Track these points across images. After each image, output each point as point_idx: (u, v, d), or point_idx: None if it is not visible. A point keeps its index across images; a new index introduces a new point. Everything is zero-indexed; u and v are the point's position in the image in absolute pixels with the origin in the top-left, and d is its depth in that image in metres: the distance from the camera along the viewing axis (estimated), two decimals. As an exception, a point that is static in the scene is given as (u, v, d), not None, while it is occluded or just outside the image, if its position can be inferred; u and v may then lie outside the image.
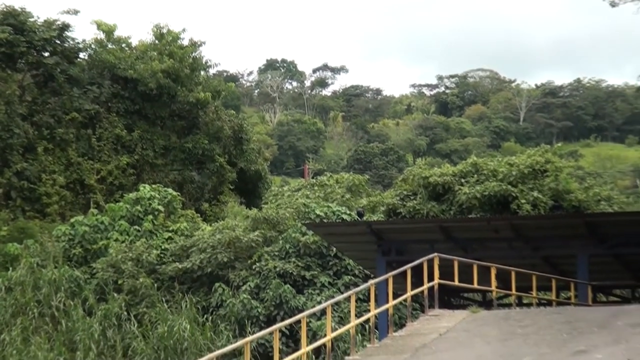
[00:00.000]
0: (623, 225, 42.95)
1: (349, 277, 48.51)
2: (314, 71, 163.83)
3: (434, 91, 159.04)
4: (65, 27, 64.15)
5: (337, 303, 32.67)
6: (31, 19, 63.34)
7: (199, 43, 68.09)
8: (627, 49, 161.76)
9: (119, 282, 50.31)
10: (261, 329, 39.17)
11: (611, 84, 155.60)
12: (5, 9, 62.51)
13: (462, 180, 54.82)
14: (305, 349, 28.27)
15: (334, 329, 30.19)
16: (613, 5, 61.13)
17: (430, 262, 33.23)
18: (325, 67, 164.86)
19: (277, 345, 27.74)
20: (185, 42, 67.24)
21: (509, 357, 26.96)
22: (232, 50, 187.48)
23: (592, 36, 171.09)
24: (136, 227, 54.18)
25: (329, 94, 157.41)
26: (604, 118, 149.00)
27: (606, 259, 42.11)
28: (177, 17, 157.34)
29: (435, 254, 33.82)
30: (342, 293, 40.74)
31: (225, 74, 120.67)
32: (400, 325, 33.02)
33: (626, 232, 41.41)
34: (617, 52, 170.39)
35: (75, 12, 73.83)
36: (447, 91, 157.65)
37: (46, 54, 63.33)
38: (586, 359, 26.23)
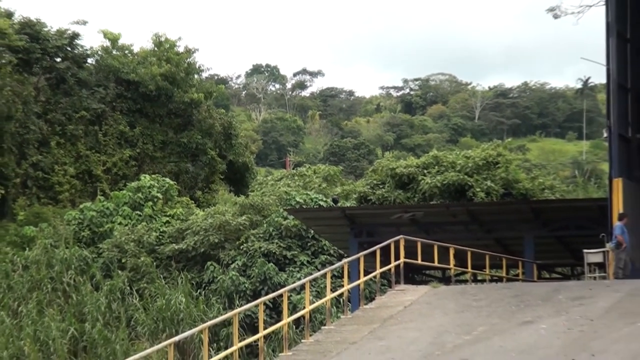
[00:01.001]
0: (564, 210, 43.10)
1: (325, 256, 48.53)
2: (294, 75, 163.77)
3: (400, 93, 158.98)
4: (75, 35, 63.97)
5: (314, 279, 32.66)
6: (45, 29, 63.15)
7: (193, 50, 68.09)
8: (568, 55, 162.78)
9: (123, 260, 50.27)
10: (248, 302, 39.17)
11: (554, 87, 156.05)
12: (22, 20, 62.31)
13: (425, 171, 54.86)
14: (287, 319, 28.19)
15: (312, 302, 30.13)
16: (556, 17, 61.27)
17: (397, 243, 33.18)
18: (304, 71, 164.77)
19: (262, 316, 27.66)
20: (181, 49, 67.07)
21: (465, 327, 26.94)
22: (222, 56, 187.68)
23: (538, 43, 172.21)
24: (138, 212, 54.16)
25: (307, 95, 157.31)
26: (548, 116, 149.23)
27: (549, 241, 42.19)
28: (174, 27, 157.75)
29: (401, 236, 33.77)
30: (319, 270, 40.69)
31: (216, 77, 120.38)
32: (370, 298, 32.96)
33: (566, 217, 41.58)
34: (560, 58, 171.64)
35: (84, 23, 73.53)
36: (412, 93, 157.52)
37: (58, 60, 63.14)
38: (532, 329, 26.25)
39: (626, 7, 38.48)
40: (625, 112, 38.40)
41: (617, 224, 34.85)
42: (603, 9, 38.31)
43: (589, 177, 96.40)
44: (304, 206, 51.40)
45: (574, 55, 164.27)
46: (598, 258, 36.14)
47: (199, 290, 47.77)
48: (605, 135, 42.53)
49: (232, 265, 48.50)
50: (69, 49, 63.64)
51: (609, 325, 25.98)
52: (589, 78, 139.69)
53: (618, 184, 36.23)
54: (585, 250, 36.91)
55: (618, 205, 35.54)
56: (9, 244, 53.43)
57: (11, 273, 50.02)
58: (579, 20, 59.60)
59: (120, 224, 52.96)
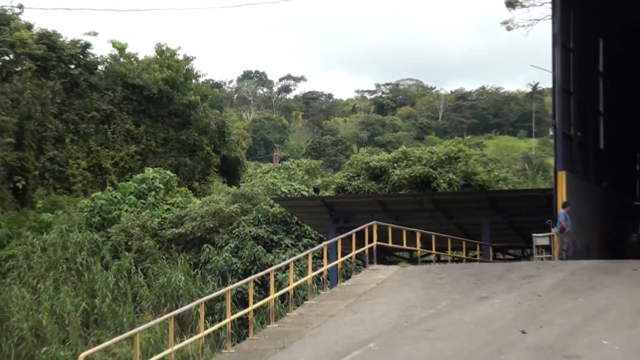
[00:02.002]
0: (515, 199, 43.26)
1: (307, 239, 48.55)
2: (280, 80, 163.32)
3: (373, 96, 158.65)
4: (87, 45, 63.78)
5: (298, 260, 32.68)
6: (61, 39, 62.95)
7: (190, 58, 67.98)
8: (520, 62, 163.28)
9: (129, 243, 50.22)
10: (239, 279, 39.14)
11: (507, 90, 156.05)
12: (40, 31, 62.10)
13: (395, 165, 54.88)
14: (273, 295, 28.21)
15: (295, 280, 30.16)
16: (509, 29, 61.45)
17: (370, 228, 33.23)
18: (289, 77, 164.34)
19: (251, 292, 27.70)
20: (180, 57, 66.92)
21: (429, 302, 27.00)
22: (216, 63, 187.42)
23: (494, 52, 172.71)
24: (142, 200, 54.11)
25: (291, 97, 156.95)
26: (502, 117, 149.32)
27: (503, 226, 42.29)
28: (174, 37, 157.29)
29: (374, 221, 33.84)
30: (302, 252, 40.71)
31: (211, 81, 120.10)
32: (346, 277, 32.99)
33: (518, 205, 41.75)
34: (512, 65, 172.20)
35: (95, 34, 73.14)
36: (383, 96, 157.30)
37: (72, 66, 62.94)
38: (487, 303, 26.33)
39: (569, 21, 38.64)
40: (568, 113, 38.57)
41: (561, 211, 35.03)
42: (549, 22, 38.50)
43: (537, 170, 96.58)
44: (289, 195, 51.41)
45: (524, 63, 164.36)
46: (545, 241, 36.30)
47: (196, 270, 47.76)
48: (551, 133, 42.71)
49: (225, 248, 48.50)
50: (81, 57, 63.45)
51: (554, 300, 26.11)
52: (537, 83, 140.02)
53: (562, 176, 36.41)
54: (533, 234, 37.06)
55: (562, 195, 35.71)
56: (29, 229, 53.34)
57: (31, 254, 49.97)
58: (528, 32, 59.95)
59: (126, 211, 52.90)
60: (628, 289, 26.76)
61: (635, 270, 29.28)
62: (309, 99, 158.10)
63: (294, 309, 28.13)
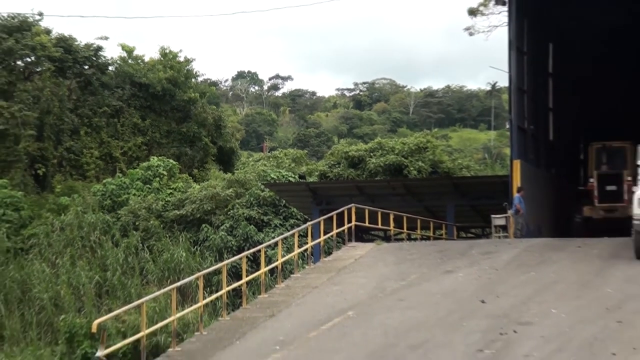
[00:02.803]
0: (476, 185, 43.40)
1: (294, 220, 48.51)
2: (270, 79, 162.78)
3: (352, 93, 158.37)
4: (99, 48, 63.54)
5: (285, 238, 32.65)
6: (76, 43, 62.66)
7: (190, 59, 67.77)
8: (481, 64, 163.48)
9: (136, 223, 50.13)
10: (234, 255, 39.12)
11: (470, 88, 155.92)
12: (58, 36, 61.79)
13: (371, 154, 54.93)
14: (264, 269, 28.18)
15: (283, 256, 30.13)
16: (471, 34, 61.51)
17: (349, 210, 33.24)
18: (277, 77, 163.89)
19: (244, 266, 27.65)
20: (182, 59, 66.68)
21: (401, 275, 27.04)
22: (213, 64, 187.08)
23: (458, 54, 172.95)
24: (148, 185, 54.00)
25: (280, 94, 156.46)
26: (465, 112, 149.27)
27: (465, 208, 42.38)
28: (176, 41, 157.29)
29: (353, 204, 33.84)
30: (289, 231, 40.70)
31: (208, 80, 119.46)
32: (328, 253, 32.99)
33: (478, 190, 41.87)
34: (474, 66, 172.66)
35: (106, 38, 73.42)
36: (361, 93, 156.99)
37: (86, 67, 62.67)
38: (452, 276, 26.38)
39: (523, 28, 38.68)
40: (522, 109, 38.65)
41: (516, 195, 35.10)
42: (506, 29, 38.54)
43: (495, 159, 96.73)
44: (277, 181, 51.38)
45: (485, 64, 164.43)
46: (502, 222, 36.35)
47: (195, 247, 47.71)
48: (507, 126, 42.81)
49: (221, 227, 48.44)
50: (94, 58, 63.17)
51: (510, 274, 26.18)
52: (496, 82, 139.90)
53: (517, 164, 36.50)
54: (492, 216, 37.08)
55: (517, 181, 35.79)
56: (49, 211, 53.18)
57: (50, 233, 49.85)
58: (488, 37, 60.23)
59: (134, 195, 52.78)
60: (573, 263, 26.87)
61: (579, 247, 29.40)
62: (295, 96, 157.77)
63: (282, 282, 28.13)
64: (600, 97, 46.05)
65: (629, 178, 35.30)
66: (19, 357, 40.95)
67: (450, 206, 41.17)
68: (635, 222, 26.44)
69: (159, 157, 57.21)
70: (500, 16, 52.82)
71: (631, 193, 29.54)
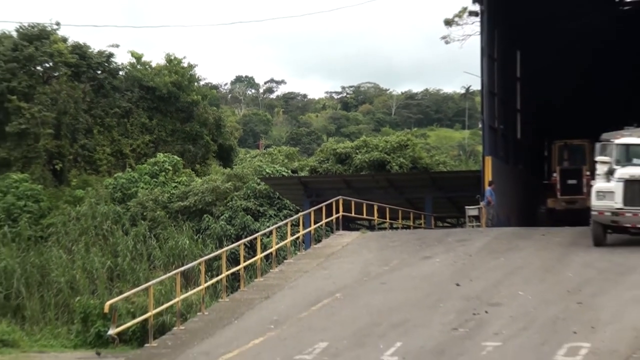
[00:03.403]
0: (452, 179, 43.46)
1: (287, 210, 48.45)
2: (265, 83, 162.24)
3: (339, 96, 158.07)
4: (111, 55, 63.27)
5: (279, 227, 32.61)
6: (90, 50, 62.42)
7: (193, 65, 67.58)
8: (456, 69, 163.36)
9: (144, 214, 50.02)
10: (232, 243, 39.08)
11: (446, 92, 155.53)
12: (74, 43, 61.53)
13: (357, 151, 54.87)
14: (260, 255, 28.17)
15: (277, 243, 30.11)
16: (447, 42, 61.58)
17: (337, 202, 33.25)
18: (272, 81, 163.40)
19: (242, 253, 27.63)
20: (185, 64, 66.44)
21: (384, 260, 27.04)
22: (214, 69, 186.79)
23: (436, 60, 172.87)
24: (155, 179, 53.89)
25: (274, 97, 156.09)
26: (442, 113, 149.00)
27: (442, 200, 42.45)
28: (181, 48, 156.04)
29: (340, 196, 33.85)
30: (282, 221, 40.66)
31: (209, 84, 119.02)
32: (318, 240, 32.98)
33: (454, 183, 41.93)
34: (450, 71, 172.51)
35: (117, 46, 73.19)
36: (347, 96, 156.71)
37: (99, 72, 62.41)
38: (430, 262, 26.39)
39: (494, 37, 38.74)
40: (493, 110, 38.73)
41: (487, 188, 35.15)
42: (479, 37, 38.59)
43: (469, 156, 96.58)
44: (272, 175, 51.35)
45: (459, 70, 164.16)
46: (475, 212, 36.43)
47: (198, 235, 47.65)
48: (480, 126, 42.83)
49: (221, 217, 48.39)
50: (106, 64, 62.94)
51: (482, 260, 26.20)
52: (470, 86, 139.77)
53: (488, 160, 36.55)
54: (466, 207, 37.17)
55: (488, 175, 35.83)
56: (65, 202, 53.03)
57: (67, 222, 49.73)
58: (462, 45, 60.33)
59: (142, 188, 52.65)
60: (538, 250, 26.92)
61: (543, 235, 29.44)
62: (288, 98, 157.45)
63: (276, 266, 28.11)
64: (562, 99, 46.21)
65: (588, 173, 35.43)
66: (39, 335, 40.90)
67: (428, 198, 41.23)
68: (593, 212, 26.50)
69: (165, 154, 57.09)
70: (473, 26, 52.86)
71: (589, 186, 29.62)
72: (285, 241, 31.41)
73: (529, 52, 44.47)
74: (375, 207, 36.47)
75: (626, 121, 30.43)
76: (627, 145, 27.13)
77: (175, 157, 57.05)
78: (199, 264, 25.63)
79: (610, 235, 26.77)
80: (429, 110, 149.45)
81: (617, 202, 25.92)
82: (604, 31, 45.36)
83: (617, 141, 27.40)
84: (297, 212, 42.47)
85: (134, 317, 27.23)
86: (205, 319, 23.07)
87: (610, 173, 26.63)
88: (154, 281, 25.49)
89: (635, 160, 26.68)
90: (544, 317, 19.94)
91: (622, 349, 17.48)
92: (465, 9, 57.06)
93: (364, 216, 36.19)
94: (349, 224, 38.01)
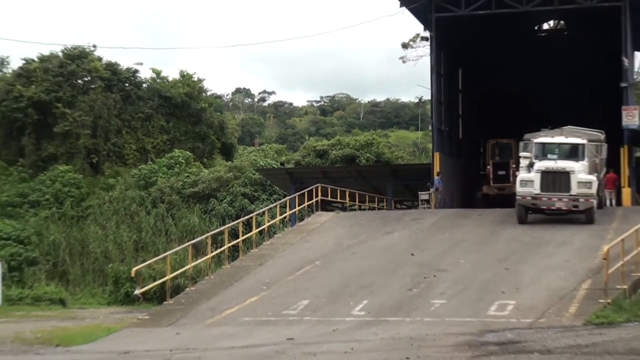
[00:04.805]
0: (408, 170, 43.39)
1: (276, 195, 48.05)
2: (259, 93, 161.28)
3: (319, 104, 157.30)
4: (136, 71, 62.52)
5: (270, 208, 32.52)
6: (120, 67, 61.74)
7: (202, 79, 66.92)
8: (411, 82, 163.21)
9: (162, 198, 49.54)
10: (233, 221, 38.75)
11: (403, 100, 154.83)
12: (107, 62, 60.83)
13: (332, 148, 54.70)
14: (254, 231, 28.11)
15: (269, 221, 30.04)
16: (404, 62, 61.65)
17: (316, 188, 33.17)
18: (264, 92, 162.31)
19: (240, 229, 27.56)
20: (195, 78, 65.76)
21: (354, 235, 27.04)
22: (218, 82, 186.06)
23: (395, 75, 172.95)
24: (171, 170, 53.38)
25: (266, 105, 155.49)
26: (400, 117, 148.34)
27: (400, 187, 42.37)
28: (192, 65, 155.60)
29: (319, 184, 33.78)
30: (273, 203, 40.48)
31: (214, 94, 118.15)
32: (301, 219, 32.92)
33: (410, 174, 41.83)
34: (407, 84, 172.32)
35: (141, 64, 72.18)
36: (325, 104, 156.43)
37: (127, 85, 61.74)
38: (390, 236, 26.41)
39: (441, 57, 38.65)
40: (440, 116, 38.68)
41: (436, 177, 35.16)
42: (429, 58, 38.53)
43: (421, 152, 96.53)
44: (264, 167, 51.07)
45: (414, 83, 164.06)
46: (426, 197, 36.45)
47: (205, 214, 47.30)
48: (430, 128, 42.78)
49: (224, 200, 48.05)
50: (132, 78, 62.26)
51: (432, 234, 26.25)
52: (422, 96, 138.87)
53: (437, 155, 36.55)
54: (419, 192, 37.16)
55: (436, 167, 35.83)
56: (100, 189, 52.56)
57: (102, 205, 49.28)
58: (416, 64, 60.35)
59: (161, 177, 52.18)
60: (475, 227, 26.99)
61: (479, 215, 29.51)
62: (278, 106, 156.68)
63: (268, 240, 28.04)
64: (494, 107, 46.28)
65: (514, 165, 35.50)
66: (80, 295, 40.63)
67: (389, 185, 41.16)
68: (517, 197, 26.64)
69: (179, 150, 56.67)
70: (424, 49, 52.97)
71: (515, 176, 29.72)
72: (275, 220, 31.37)
73: (468, 69, 44.50)
74: (347, 193, 36.45)
75: (543, 124, 30.58)
76: (543, 144, 27.30)
77: (187, 152, 56.62)
78: (206, 237, 25.52)
79: (530, 215, 26.89)
80: (390, 115, 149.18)
81: (536, 189, 26.06)
82: (525, 53, 45.73)
83: (535, 140, 27.57)
84: (284, 196, 42.35)
85: (154, 280, 27.05)
86: (211, 281, 22.98)
87: (530, 166, 26.78)
88: (170, 251, 25.40)
89: (549, 156, 26.82)
90: (480, 280, 19.99)
91: (539, 305, 17.57)
92: (418, 35, 57.25)
93: (338, 200, 36.14)
94: (326, 206, 37.93)
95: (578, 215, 26.19)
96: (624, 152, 33.63)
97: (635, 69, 49.54)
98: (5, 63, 63.44)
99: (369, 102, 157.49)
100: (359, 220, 30.12)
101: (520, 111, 44.93)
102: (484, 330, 15.34)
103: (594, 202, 26.01)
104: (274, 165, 52.61)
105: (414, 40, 59.02)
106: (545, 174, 26.11)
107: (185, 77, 64.68)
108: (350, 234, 27.00)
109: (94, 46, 61.41)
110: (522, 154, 27.67)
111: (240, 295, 20.81)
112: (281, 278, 22.05)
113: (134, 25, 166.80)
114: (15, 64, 60.87)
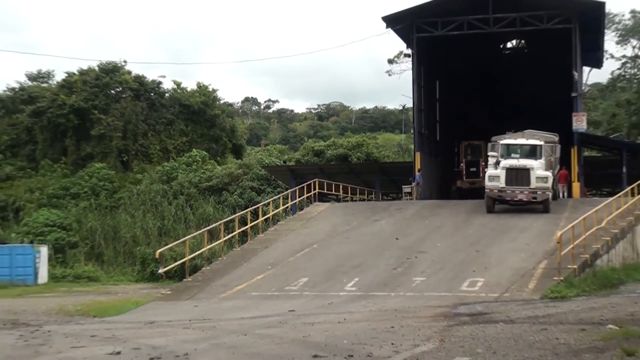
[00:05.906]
0: (394, 168, 43.19)
1: (280, 189, 47.79)
2: (265, 102, 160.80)
3: (316, 110, 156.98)
4: (159, 82, 62.19)
5: (274, 199, 32.45)
6: (146, 79, 61.53)
7: (216, 89, 66.81)
8: (396, 92, 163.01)
9: (182, 191, 49.35)
10: (242, 210, 38.71)
11: (389, 108, 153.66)
12: (135, 75, 60.62)
13: (328, 148, 54.61)
14: (261, 219, 28.01)
15: (273, 211, 29.99)
16: (390, 75, 61.48)
17: (314, 183, 33.11)
18: (269, 100, 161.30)
19: (249, 217, 27.49)
20: (210, 89, 65.39)
21: (347, 222, 26.98)
22: (230, 92, 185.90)
23: (382, 86, 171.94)
24: (189, 167, 53.21)
25: (271, 111, 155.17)
26: (387, 122, 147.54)
27: (387, 182, 42.32)
28: (207, 77, 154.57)
29: (316, 179, 33.73)
30: (276, 195, 40.37)
31: (227, 102, 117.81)
32: (301, 209, 32.86)
33: (395, 170, 41.70)
34: (392, 93, 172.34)
35: (164, 76, 71.97)
36: (321, 111, 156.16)
37: (152, 94, 61.48)
38: (378, 224, 26.36)
39: (421, 71, 38.57)
40: (421, 121, 38.57)
41: (417, 173, 35.11)
42: (411, 71, 38.43)
43: (405, 152, 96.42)
44: (269, 165, 50.93)
45: (398, 93, 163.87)
46: (409, 190, 36.37)
47: (219, 205, 47.15)
48: (412, 132, 42.62)
49: (235, 193, 47.92)
50: (157, 89, 62.02)
51: (414, 221, 26.22)
52: (405, 104, 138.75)
53: (418, 155, 36.48)
54: (403, 186, 37.09)
55: (418, 165, 35.78)
56: (130, 183, 52.35)
57: (131, 196, 49.12)
58: (400, 77, 60.29)
59: (181, 173, 52.04)
60: (451, 216, 26.97)
61: (454, 205, 29.50)
62: (281, 112, 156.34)
63: (272, 226, 27.99)
64: (466, 113, 46.23)
65: (483, 163, 35.47)
66: (112, 273, 40.57)
67: (377, 180, 41.10)
68: (486, 190, 26.69)
69: (196, 150, 56.53)
70: (407, 64, 52.93)
71: (484, 172, 29.72)
72: (279, 209, 31.30)
73: (444, 81, 44.44)
74: (341, 186, 36.39)
75: (508, 128, 30.71)
76: (508, 145, 27.42)
77: (203, 152, 56.45)
78: (220, 224, 25.48)
79: (497, 205, 26.90)
80: (378, 120, 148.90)
81: (502, 183, 26.12)
82: (492, 67, 45.79)
83: (501, 142, 27.70)
84: (286, 189, 42.25)
85: (175, 260, 26.96)
86: (224, 262, 22.94)
87: (497, 163, 26.83)
88: (189, 236, 25.34)
89: (513, 155, 26.92)
90: (454, 261, 19.97)
91: (504, 282, 17.58)
92: (401, 52, 57.23)
93: (333, 192, 36.08)
94: (322, 198, 37.87)
95: (536, 206, 26.25)
96: (574, 152, 33.81)
97: (584, 81, 49.67)
98: (51, 76, 63.48)
99: (359, 109, 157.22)
100: (351, 210, 30.12)
101: (489, 117, 44.97)
102: (458, 304, 15.35)
103: (550, 194, 26.17)
104: (278, 163, 52.51)
105: (398, 56, 59.04)
106: (510, 171, 26.23)
107: (202, 88, 64.47)
108: (344, 222, 26.98)
109: (125, 61, 61.21)
110: (490, 153, 27.77)
111: (249, 273, 20.79)
112: (284, 259, 22.03)
113: (159, 43, 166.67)
114: (59, 76, 60.86)
